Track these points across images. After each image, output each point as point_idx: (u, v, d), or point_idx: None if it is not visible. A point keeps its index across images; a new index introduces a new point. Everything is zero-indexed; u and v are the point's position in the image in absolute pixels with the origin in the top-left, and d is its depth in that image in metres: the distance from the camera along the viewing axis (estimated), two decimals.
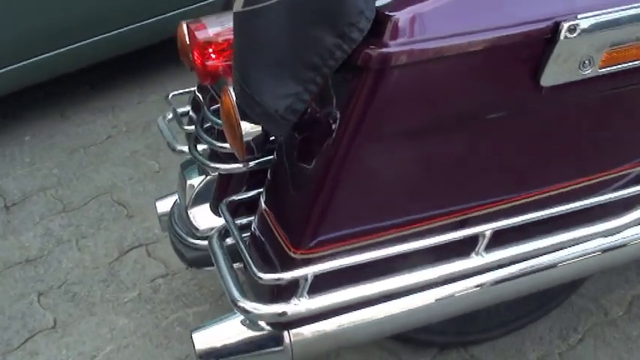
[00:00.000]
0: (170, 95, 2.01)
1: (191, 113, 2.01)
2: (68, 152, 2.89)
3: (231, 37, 1.43)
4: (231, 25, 1.45)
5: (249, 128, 1.21)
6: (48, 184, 2.70)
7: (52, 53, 2.84)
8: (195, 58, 1.47)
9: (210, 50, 1.45)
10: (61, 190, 2.65)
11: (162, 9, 3.02)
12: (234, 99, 1.20)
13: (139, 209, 2.49)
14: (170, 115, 2.00)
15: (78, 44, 2.88)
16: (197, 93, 2.00)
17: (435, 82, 1.11)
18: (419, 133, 1.14)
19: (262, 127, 1.22)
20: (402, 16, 1.07)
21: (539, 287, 1.43)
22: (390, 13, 1.07)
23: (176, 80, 3.29)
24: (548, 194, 1.27)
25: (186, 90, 2.02)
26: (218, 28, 1.45)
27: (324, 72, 1.08)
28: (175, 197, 1.85)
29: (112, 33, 2.94)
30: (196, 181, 1.55)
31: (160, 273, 2.18)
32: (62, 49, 2.86)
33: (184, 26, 1.74)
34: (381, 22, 1.07)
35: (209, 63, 1.44)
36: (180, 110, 2.01)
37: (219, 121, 1.52)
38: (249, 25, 1.09)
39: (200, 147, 1.67)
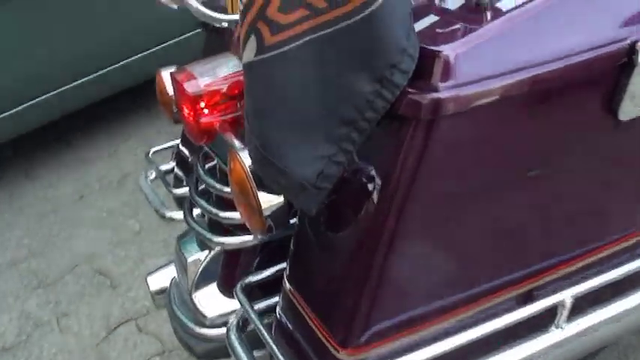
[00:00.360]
0: (151, 152, 1.81)
1: (176, 171, 1.80)
2: (38, 218, 2.64)
3: (225, 87, 1.22)
4: (223, 73, 1.25)
5: (268, 200, 0.99)
6: (19, 256, 2.44)
7: (19, 109, 2.59)
8: (186, 115, 1.24)
9: (203, 105, 1.22)
10: (34, 262, 2.40)
11: (127, 53, 2.78)
12: (248, 166, 0.98)
13: (123, 278, 2.25)
14: (152, 175, 1.77)
15: (45, 96, 2.63)
16: (181, 147, 1.79)
17: (497, 128, 0.90)
18: (480, 191, 0.93)
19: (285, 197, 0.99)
20: (452, 52, 0.86)
21: (618, 338, 1.22)
22: (437, 49, 0.87)
23: (148, 127, 3.06)
24: (628, 243, 1.07)
25: (169, 145, 1.81)
26: (208, 78, 1.23)
27: (362, 127, 0.87)
28: (169, 269, 1.61)
29: (82, 81, 2.70)
30: (198, 256, 1.32)
31: (155, 350, 1.94)
32: (29, 103, 2.61)
33: (163, 75, 1.53)
34: (426, 60, 0.87)
35: (204, 120, 1.21)
36: (164, 168, 1.79)
37: (218, 186, 1.30)
38: (265, 77, 0.87)
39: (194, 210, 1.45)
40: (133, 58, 2.77)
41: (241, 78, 1.23)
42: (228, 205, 1.30)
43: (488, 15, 0.91)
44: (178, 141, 1.81)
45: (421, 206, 0.91)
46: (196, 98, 1.21)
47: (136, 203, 2.58)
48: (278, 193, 0.98)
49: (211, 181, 1.29)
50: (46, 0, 2.49)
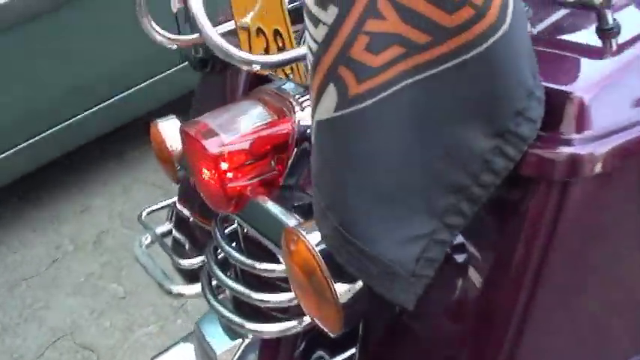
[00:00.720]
0: (144, 213, 1.59)
1: (175, 234, 1.57)
2: (7, 288, 2.39)
3: (254, 143, 1.01)
4: (249, 125, 1.05)
5: (345, 289, 0.77)
6: None
7: None
8: (207, 179, 1.02)
9: (226, 166, 1.01)
10: (8, 339, 2.17)
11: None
12: (316, 248, 0.77)
13: (110, 352, 2.05)
14: (148, 239, 1.55)
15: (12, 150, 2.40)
16: (179, 206, 1.56)
17: None
18: (620, 264, 0.74)
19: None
20: (587, 93, 0.68)
21: None
22: (567, 89, 0.68)
23: (122, 177, 2.82)
24: None
25: (164, 204, 1.58)
26: (233, 133, 1.02)
27: (475, 194, 0.68)
28: (179, 350, 1.39)
29: (49, 132, 2.48)
30: (229, 347, 1.10)
31: None
32: None
33: (161, 127, 1.32)
34: (553, 105, 0.67)
35: (232, 185, 1.00)
36: (160, 230, 1.56)
37: (249, 261, 1.08)
38: (349, 137, 0.67)
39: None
40: (103, 104, 2.56)
41: (272, 131, 1.03)
42: (259, 280, 1.08)
43: (614, 43, 0.72)
44: (175, 199, 1.59)
45: (552, 289, 0.71)
46: (220, 159, 1.00)
47: (117, 264, 2.36)
48: (364, 283, 0.76)
49: (240, 257, 1.07)
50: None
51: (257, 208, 1.00)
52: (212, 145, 1.00)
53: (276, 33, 1.01)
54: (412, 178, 0.68)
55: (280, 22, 0.99)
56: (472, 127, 0.66)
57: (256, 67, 0.92)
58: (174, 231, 1.56)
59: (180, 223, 1.54)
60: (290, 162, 1.02)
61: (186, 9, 1.32)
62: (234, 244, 1.14)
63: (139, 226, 1.56)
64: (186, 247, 1.53)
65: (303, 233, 0.79)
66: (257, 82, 1.29)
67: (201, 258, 1.35)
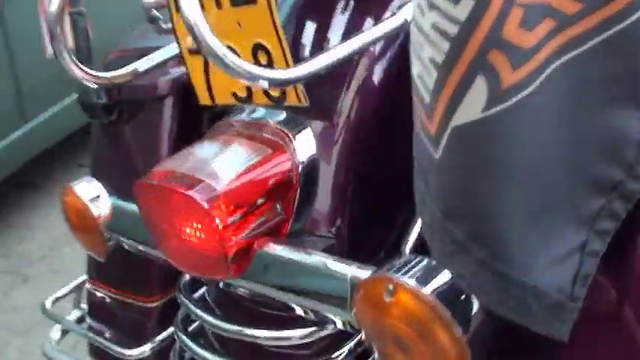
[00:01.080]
0: (48, 301, 1.29)
1: (91, 322, 1.32)
2: None
3: (248, 186, 0.84)
4: (237, 166, 0.87)
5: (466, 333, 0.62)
6: None
7: None
8: (197, 240, 0.83)
9: (224, 219, 0.82)
10: None
11: None
12: (428, 293, 0.61)
13: None
14: (57, 333, 1.28)
15: None
16: (92, 286, 1.32)
17: None
18: None
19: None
20: None
21: None
22: None
23: None
24: None
25: (72, 286, 1.32)
26: (222, 177, 0.84)
27: (629, 190, 0.57)
28: None
29: None
30: None
31: None
32: None
33: (77, 189, 1.12)
34: None
35: (233, 242, 0.81)
36: (71, 317, 1.28)
37: (251, 331, 0.88)
38: (502, 140, 0.52)
39: None
40: None
41: (271, 166, 0.85)
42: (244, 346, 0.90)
43: None
44: (82, 279, 1.35)
45: None
46: (215, 211, 0.80)
47: None
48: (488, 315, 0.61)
49: (239, 328, 0.88)
50: None
51: (275, 264, 0.81)
52: (201, 195, 0.80)
53: (258, 48, 0.83)
54: (562, 182, 0.56)
55: (267, 34, 0.80)
56: (626, 109, 0.55)
57: (264, 85, 0.73)
58: (88, 318, 1.31)
59: (96, 306, 1.29)
60: (297, 202, 0.85)
61: (77, 48, 1.12)
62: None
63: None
64: (107, 334, 1.28)
65: (404, 278, 0.62)
66: (187, 123, 1.12)
67: (150, 345, 1.12)
